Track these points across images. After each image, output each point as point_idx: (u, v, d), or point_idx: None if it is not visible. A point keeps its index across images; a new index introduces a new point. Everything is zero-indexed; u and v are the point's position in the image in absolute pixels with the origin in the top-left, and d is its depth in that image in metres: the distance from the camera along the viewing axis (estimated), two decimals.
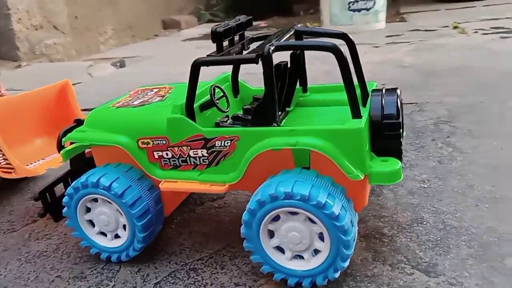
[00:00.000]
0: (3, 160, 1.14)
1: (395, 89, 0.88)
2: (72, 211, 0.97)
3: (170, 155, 0.92)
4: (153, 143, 0.92)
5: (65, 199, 0.97)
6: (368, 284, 0.84)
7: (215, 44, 0.89)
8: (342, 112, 0.94)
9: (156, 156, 0.94)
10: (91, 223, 0.99)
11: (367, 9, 3.61)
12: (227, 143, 0.87)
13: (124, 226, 0.96)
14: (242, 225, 0.84)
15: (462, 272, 0.85)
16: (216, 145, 0.88)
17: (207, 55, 0.88)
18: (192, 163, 0.91)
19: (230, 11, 5.29)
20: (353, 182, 0.81)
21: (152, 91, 1.09)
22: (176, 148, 0.91)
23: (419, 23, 3.69)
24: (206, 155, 0.89)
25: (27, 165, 1.19)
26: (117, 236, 0.98)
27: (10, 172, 1.15)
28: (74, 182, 0.96)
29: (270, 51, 0.80)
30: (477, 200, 1.08)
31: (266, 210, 0.80)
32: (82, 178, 0.94)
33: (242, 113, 0.97)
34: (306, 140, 0.80)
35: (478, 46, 2.65)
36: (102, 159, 1.00)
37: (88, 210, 0.98)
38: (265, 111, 0.86)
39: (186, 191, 0.97)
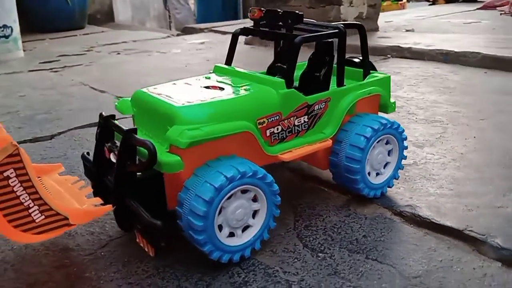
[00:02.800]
0: (39, 214, 0.73)
1: None
2: (211, 220, 0.85)
3: (279, 129, 0.99)
4: (268, 121, 0.96)
5: (203, 207, 0.83)
6: None
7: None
8: None
9: (268, 134, 0.97)
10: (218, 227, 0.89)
11: (6, 37, 3.35)
12: (322, 105, 1.05)
13: (253, 214, 0.94)
14: (350, 162, 1.07)
15: None
16: (315, 109, 1.04)
17: (303, 36, 1.01)
18: (296, 131, 1.02)
19: None
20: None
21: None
22: (285, 121, 0.99)
23: (58, 50, 3.74)
24: (307, 120, 1.03)
25: None
26: (243, 230, 0.93)
27: (66, 225, 0.75)
28: (210, 183, 0.84)
29: (344, 28, 1.07)
30: None
31: (380, 134, 1.09)
32: (224, 174, 0.85)
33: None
34: (375, 88, 1.12)
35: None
36: (198, 159, 0.90)
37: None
38: (328, 76, 1.10)
39: (303, 155, 1.01)
